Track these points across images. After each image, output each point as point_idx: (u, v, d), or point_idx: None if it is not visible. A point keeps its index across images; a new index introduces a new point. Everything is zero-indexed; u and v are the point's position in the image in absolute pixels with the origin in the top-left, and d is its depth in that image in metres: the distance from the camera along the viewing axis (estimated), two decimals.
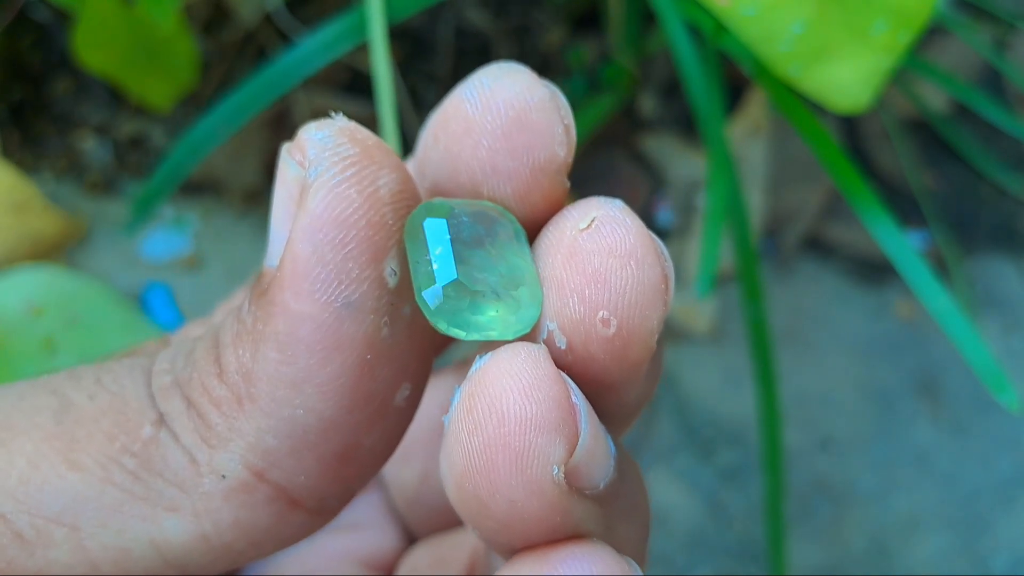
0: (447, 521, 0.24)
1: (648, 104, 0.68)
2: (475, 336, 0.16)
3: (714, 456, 0.62)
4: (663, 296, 0.16)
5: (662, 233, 0.66)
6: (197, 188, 0.65)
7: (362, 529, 0.24)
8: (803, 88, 0.39)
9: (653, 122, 0.68)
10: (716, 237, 0.41)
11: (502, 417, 0.14)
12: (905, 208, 0.69)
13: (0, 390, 0.17)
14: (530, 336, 0.16)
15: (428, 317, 0.16)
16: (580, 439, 0.15)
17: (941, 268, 0.68)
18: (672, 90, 0.68)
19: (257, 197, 0.65)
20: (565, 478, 0.15)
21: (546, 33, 0.67)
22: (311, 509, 0.17)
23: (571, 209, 0.16)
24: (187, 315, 0.61)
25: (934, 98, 0.71)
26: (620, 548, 0.16)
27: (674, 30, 0.44)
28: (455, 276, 0.15)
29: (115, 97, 0.66)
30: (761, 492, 0.54)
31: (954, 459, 0.63)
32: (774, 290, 0.66)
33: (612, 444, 0.16)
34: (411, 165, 0.19)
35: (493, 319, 0.16)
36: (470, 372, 0.15)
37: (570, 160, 0.17)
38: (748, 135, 0.66)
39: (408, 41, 0.66)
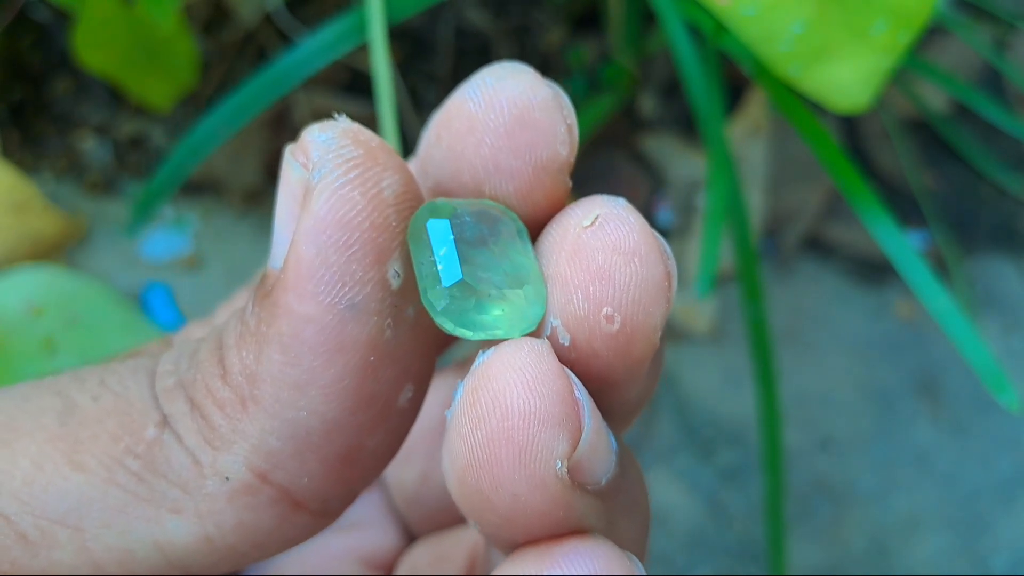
0: (447, 520, 0.24)
1: (648, 104, 0.68)
2: (481, 336, 0.16)
3: (714, 456, 0.62)
4: (667, 293, 0.16)
5: (662, 233, 0.66)
6: (197, 188, 0.65)
7: (362, 527, 0.24)
8: (803, 88, 0.40)
9: (653, 122, 0.68)
10: (716, 237, 0.41)
11: (506, 411, 0.14)
12: (905, 208, 0.69)
13: (4, 391, 0.17)
14: (535, 333, 0.16)
15: (434, 318, 0.16)
16: (583, 434, 0.15)
17: (941, 268, 0.68)
18: (672, 90, 0.68)
19: (257, 197, 0.65)
20: (568, 473, 0.15)
21: (546, 33, 0.67)
22: (314, 511, 0.17)
23: (575, 207, 0.16)
24: (187, 315, 0.61)
25: (934, 98, 0.71)
26: (621, 544, 0.16)
27: (674, 30, 0.44)
28: (460, 277, 0.15)
29: (115, 97, 0.66)
30: (761, 492, 0.54)
31: (954, 459, 0.63)
32: (774, 290, 0.66)
33: (614, 440, 0.16)
34: (413, 164, 0.19)
35: (498, 318, 0.16)
36: (473, 366, 0.15)
37: (572, 159, 0.17)
38: (748, 135, 0.66)
39: (408, 41, 0.66)
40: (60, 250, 0.61)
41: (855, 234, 0.68)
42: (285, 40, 0.64)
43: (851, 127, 0.71)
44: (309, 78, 0.43)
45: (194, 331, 0.20)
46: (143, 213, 0.46)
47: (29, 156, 0.64)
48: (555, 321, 0.16)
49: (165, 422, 0.16)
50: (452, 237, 0.15)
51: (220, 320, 0.20)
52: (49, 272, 0.48)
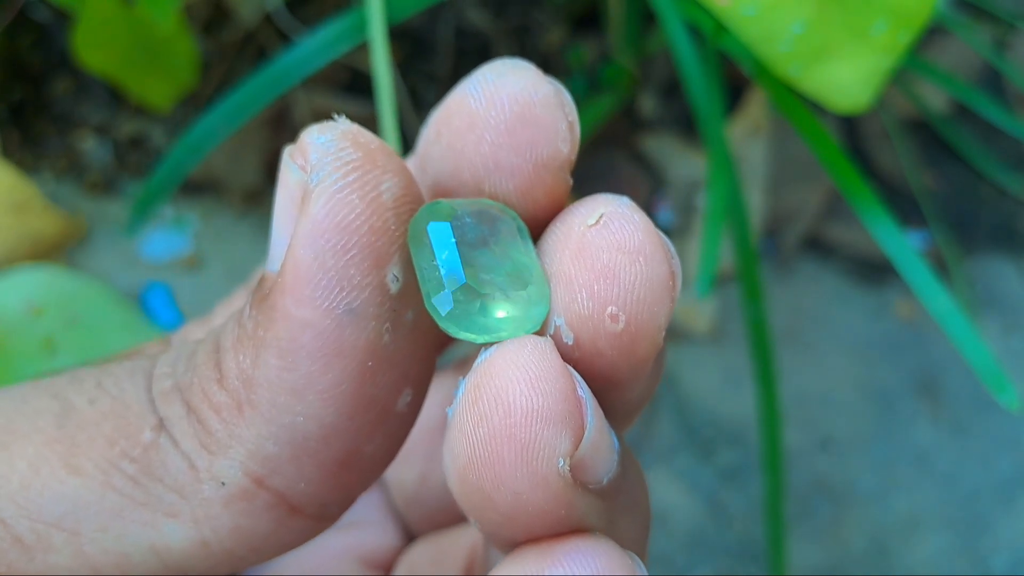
0: (446, 519, 0.24)
1: (648, 104, 0.68)
2: (486, 338, 0.16)
3: (714, 456, 0.62)
4: (671, 293, 0.16)
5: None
6: (197, 188, 0.65)
7: (361, 527, 0.24)
8: (803, 88, 0.39)
9: (653, 122, 0.68)
10: (716, 237, 0.41)
11: (508, 408, 0.14)
12: (905, 208, 0.69)
13: (2, 392, 0.17)
14: (538, 332, 0.16)
15: (439, 323, 0.15)
16: (586, 432, 0.15)
17: (941, 268, 0.68)
18: (672, 90, 0.68)
19: (257, 197, 0.65)
20: (570, 471, 0.15)
21: (546, 33, 0.67)
22: (311, 515, 0.16)
23: (579, 205, 0.16)
24: (187, 315, 0.61)
25: (934, 98, 0.71)
26: (622, 544, 0.16)
27: (674, 30, 0.44)
28: (464, 281, 0.15)
29: (115, 97, 0.66)
30: (761, 492, 0.54)
31: (954, 459, 0.63)
32: (774, 290, 0.66)
33: (616, 439, 0.16)
34: (412, 162, 0.19)
35: (503, 320, 0.15)
36: (475, 364, 0.15)
37: (573, 157, 0.17)
38: (748, 135, 0.66)
39: (408, 41, 0.66)
40: (60, 250, 0.61)
41: (855, 234, 0.67)
42: (285, 40, 0.64)
43: (851, 127, 0.71)
44: (309, 78, 0.43)
45: (192, 330, 0.20)
46: (142, 212, 0.46)
47: (29, 156, 0.64)
48: (559, 320, 0.16)
49: (161, 426, 0.16)
50: (454, 240, 0.15)
51: (218, 320, 0.20)
52: (49, 272, 0.48)
